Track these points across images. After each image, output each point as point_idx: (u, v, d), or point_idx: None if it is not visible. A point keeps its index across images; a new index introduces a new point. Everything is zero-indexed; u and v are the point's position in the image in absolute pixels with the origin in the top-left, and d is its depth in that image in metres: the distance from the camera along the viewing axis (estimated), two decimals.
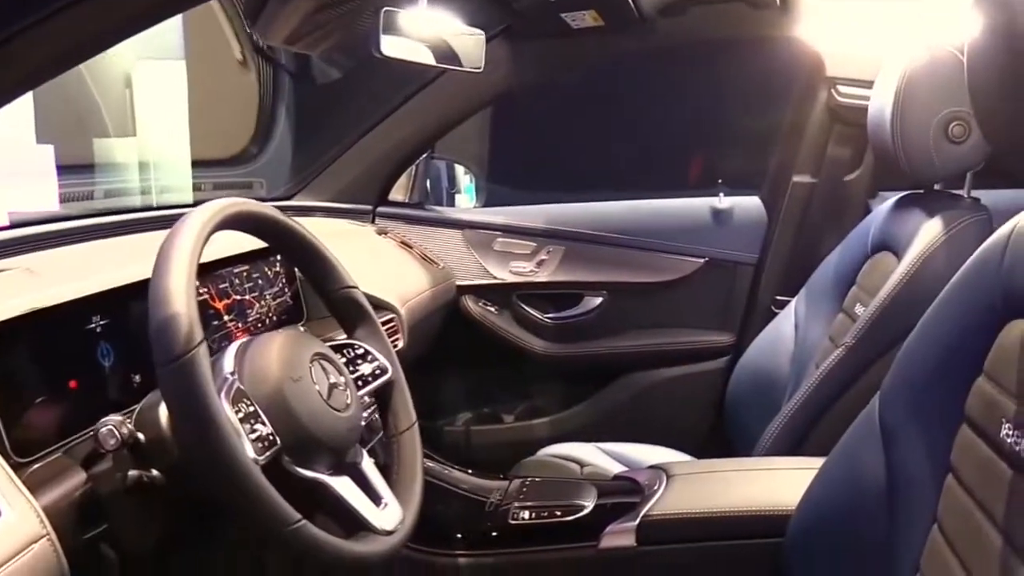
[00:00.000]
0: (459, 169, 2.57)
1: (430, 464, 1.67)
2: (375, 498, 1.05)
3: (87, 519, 0.90)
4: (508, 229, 2.28)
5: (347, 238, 2.09)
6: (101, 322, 1.10)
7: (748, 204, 2.27)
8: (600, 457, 1.95)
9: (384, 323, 1.65)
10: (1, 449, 0.92)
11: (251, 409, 0.94)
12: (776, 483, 1.34)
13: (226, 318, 1.39)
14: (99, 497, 0.92)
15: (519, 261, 2.28)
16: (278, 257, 1.58)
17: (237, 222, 1.03)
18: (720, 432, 2.08)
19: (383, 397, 1.21)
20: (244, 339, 1.03)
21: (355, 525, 1.00)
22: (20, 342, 0.99)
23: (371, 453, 1.36)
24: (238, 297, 1.43)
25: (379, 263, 1.97)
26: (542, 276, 2.26)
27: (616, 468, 1.88)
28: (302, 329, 1.25)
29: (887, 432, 0.96)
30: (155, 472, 0.92)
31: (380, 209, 2.29)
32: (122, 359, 1.13)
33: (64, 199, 1.80)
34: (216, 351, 1.02)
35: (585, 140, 2.81)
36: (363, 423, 1.09)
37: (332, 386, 1.03)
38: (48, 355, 1.01)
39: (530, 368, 2.30)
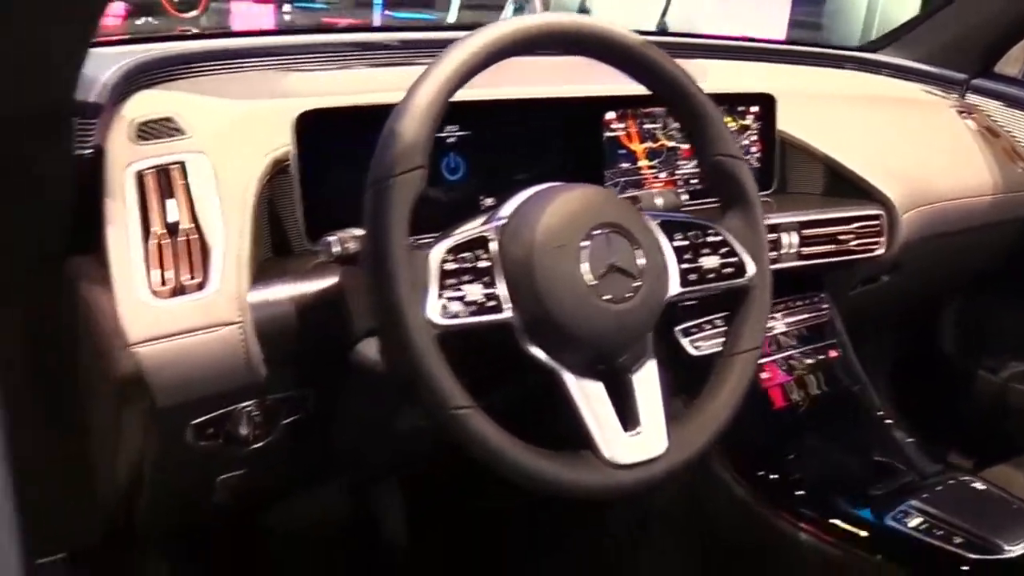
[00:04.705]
0: None
1: (876, 413, 1.33)
2: (629, 420, 0.84)
3: (313, 324, 0.86)
4: None
5: (905, 107, 1.68)
6: (458, 132, 1.03)
7: None
8: None
9: (864, 219, 1.32)
10: (287, 232, 0.93)
11: (484, 264, 0.79)
12: None
13: (642, 163, 1.21)
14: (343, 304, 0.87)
15: None
16: (754, 107, 1.32)
17: (559, 41, 0.84)
18: None
19: (732, 305, 0.94)
20: (547, 185, 0.87)
21: (582, 441, 0.82)
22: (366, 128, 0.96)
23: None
24: (669, 143, 1.23)
25: (922, 144, 1.55)
26: None
27: None
28: (635, 192, 1.00)
29: None
30: None
31: (976, 82, 1.78)
32: (477, 177, 1.05)
33: None
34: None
35: None
36: (650, 324, 0.86)
37: (612, 268, 0.82)
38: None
39: None
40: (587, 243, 0.81)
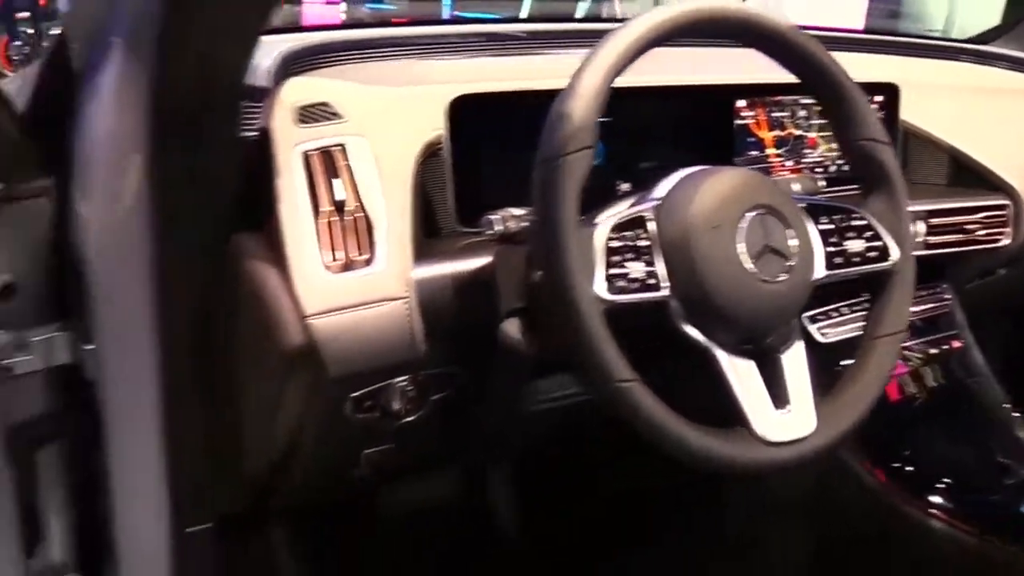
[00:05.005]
0: None
1: (1000, 407, 1.31)
2: (778, 399, 0.85)
3: (468, 299, 0.89)
4: None
5: (1019, 98, 1.65)
6: (602, 119, 1.05)
7: None
8: None
9: (991, 208, 1.31)
10: (435, 214, 0.96)
11: (643, 243, 0.81)
12: None
13: (769, 152, 1.21)
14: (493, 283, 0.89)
15: None
16: (878, 97, 1.32)
17: (711, 28, 0.86)
18: None
19: (874, 288, 0.95)
20: (698, 168, 0.88)
21: (735, 419, 0.83)
22: (523, 114, 0.96)
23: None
24: (797, 132, 1.24)
25: None
26: None
27: None
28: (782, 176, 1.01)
29: None
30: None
31: None
32: (613, 162, 1.07)
33: None
34: None
35: None
36: (800, 305, 0.87)
37: (767, 248, 0.83)
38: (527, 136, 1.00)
39: None
40: (743, 224, 0.83)
